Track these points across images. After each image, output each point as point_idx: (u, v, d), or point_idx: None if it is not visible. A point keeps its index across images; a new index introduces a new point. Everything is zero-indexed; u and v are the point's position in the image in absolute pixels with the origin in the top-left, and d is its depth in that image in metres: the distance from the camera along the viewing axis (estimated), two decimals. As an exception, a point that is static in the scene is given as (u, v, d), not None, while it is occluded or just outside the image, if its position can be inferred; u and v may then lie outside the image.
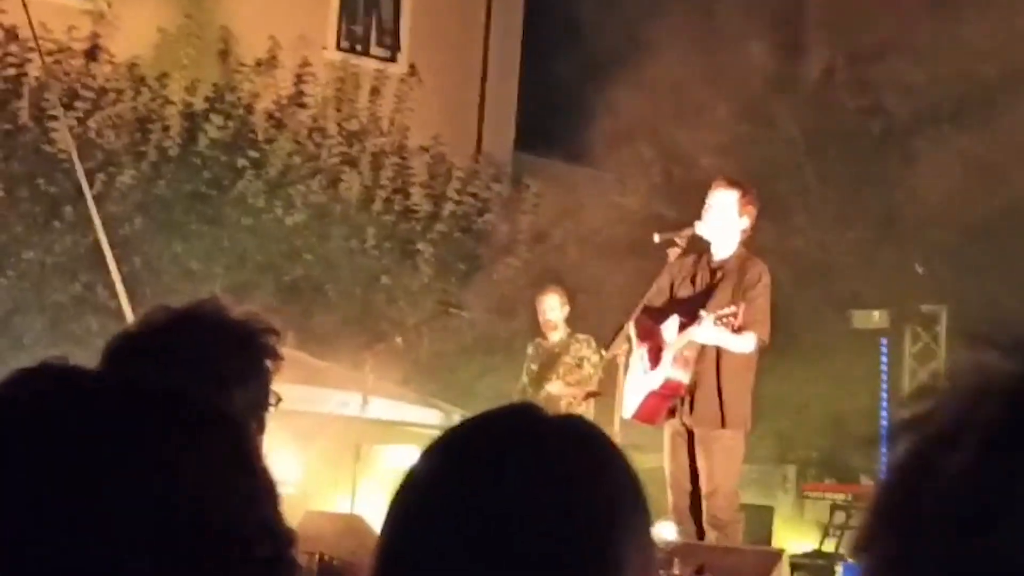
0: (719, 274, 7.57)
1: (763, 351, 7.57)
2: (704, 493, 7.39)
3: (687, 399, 7.51)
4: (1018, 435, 0.83)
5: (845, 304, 14.02)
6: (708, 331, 7.32)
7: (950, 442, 0.85)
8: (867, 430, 13.81)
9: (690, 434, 7.52)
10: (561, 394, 10.12)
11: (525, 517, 1.39)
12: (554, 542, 1.39)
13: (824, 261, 14.73)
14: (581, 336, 10.65)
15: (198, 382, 2.19)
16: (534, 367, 10.69)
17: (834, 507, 12.82)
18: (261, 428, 2.33)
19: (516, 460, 1.43)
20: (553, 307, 10.61)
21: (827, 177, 15.34)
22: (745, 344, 7.39)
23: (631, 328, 7.66)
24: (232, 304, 2.38)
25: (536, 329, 10.84)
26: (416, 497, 1.45)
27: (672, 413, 7.56)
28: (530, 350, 10.82)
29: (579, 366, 10.47)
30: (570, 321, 10.84)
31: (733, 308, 7.26)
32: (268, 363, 2.33)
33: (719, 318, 7.23)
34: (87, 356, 2.41)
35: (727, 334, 7.32)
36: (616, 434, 7.61)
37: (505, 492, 1.40)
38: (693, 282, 7.64)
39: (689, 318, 7.44)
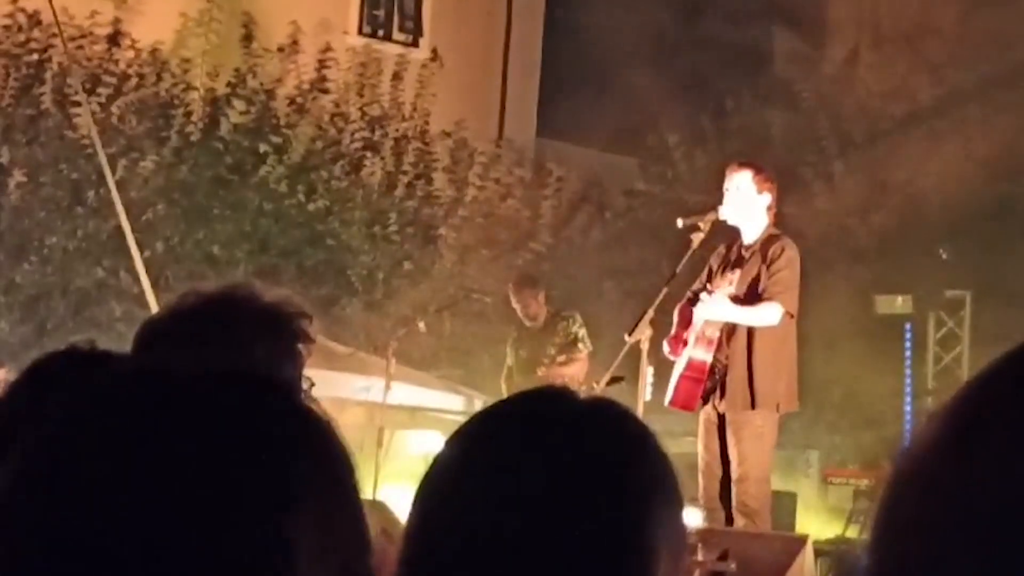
0: (747, 256, 7.54)
1: (799, 326, 7.49)
2: (734, 479, 7.33)
3: (720, 384, 7.45)
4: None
5: (869, 289, 13.98)
6: (712, 306, 7.29)
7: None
8: (891, 415, 13.77)
9: (721, 419, 7.47)
10: (549, 380, 10.11)
11: (556, 502, 1.38)
12: (586, 527, 1.37)
13: (848, 245, 14.68)
14: (566, 313, 10.69)
15: (231, 365, 2.18)
16: (522, 352, 10.72)
17: (857, 492, 12.78)
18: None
19: (547, 444, 1.41)
20: (526, 301, 10.70)
21: (851, 161, 15.29)
22: (767, 315, 7.29)
23: (675, 316, 7.62)
24: (263, 289, 2.36)
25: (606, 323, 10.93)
26: (445, 483, 1.43)
27: (707, 399, 7.52)
28: (514, 333, 10.88)
29: (573, 343, 10.52)
30: (581, 305, 10.92)
31: (730, 288, 7.27)
32: (301, 347, 2.31)
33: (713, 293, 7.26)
34: (110, 341, 2.39)
35: (737, 308, 7.27)
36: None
37: (536, 477, 1.38)
38: (725, 269, 7.61)
39: None
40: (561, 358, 10.50)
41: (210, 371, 1.12)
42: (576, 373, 10.29)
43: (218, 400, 1.08)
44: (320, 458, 1.08)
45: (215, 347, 2.17)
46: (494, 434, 1.46)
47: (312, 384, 2.33)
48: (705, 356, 7.44)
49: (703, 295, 7.34)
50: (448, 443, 1.47)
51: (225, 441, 1.05)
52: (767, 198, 7.51)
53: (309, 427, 1.10)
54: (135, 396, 1.09)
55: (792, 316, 7.35)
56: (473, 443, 1.46)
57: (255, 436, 1.06)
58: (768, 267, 7.36)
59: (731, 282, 7.39)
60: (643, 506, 1.41)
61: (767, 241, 7.49)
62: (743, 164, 7.63)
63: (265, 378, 1.11)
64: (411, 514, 1.44)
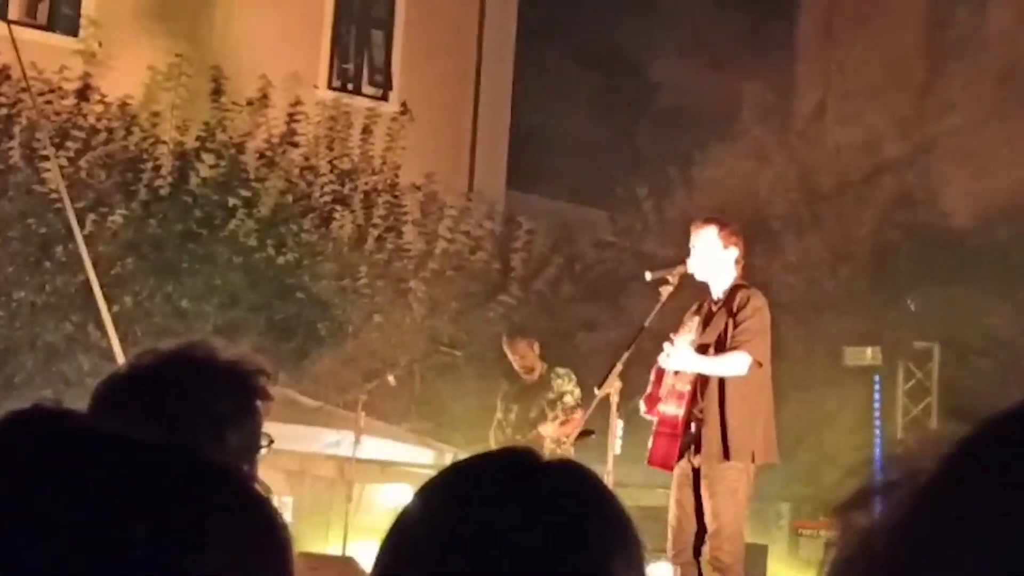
0: (715, 309, 7.53)
1: (773, 377, 7.47)
2: (709, 532, 7.28)
3: (695, 438, 7.42)
4: (948, 488, 0.81)
5: (838, 340, 14.02)
6: (675, 357, 7.27)
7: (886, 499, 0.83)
8: (861, 467, 13.77)
9: (696, 472, 7.43)
10: (553, 436, 10.05)
11: (519, 560, 1.38)
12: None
13: (817, 297, 14.74)
14: (560, 370, 10.60)
15: (191, 425, 2.18)
16: (514, 406, 10.61)
17: (828, 545, 12.72)
18: (253, 471, 2.30)
19: (510, 503, 1.41)
20: (523, 353, 10.59)
21: (819, 213, 15.37)
22: (734, 364, 7.27)
23: (651, 376, 7.60)
24: (222, 345, 2.36)
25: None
26: (409, 537, 1.44)
27: (682, 454, 7.49)
28: (505, 386, 10.76)
29: (560, 399, 10.41)
30: (553, 357, 10.84)
31: (691, 335, 7.25)
32: (259, 404, 2.30)
33: (690, 344, 7.22)
34: (79, 396, 2.38)
35: (702, 358, 7.26)
36: (610, 472, 7.56)
37: (499, 535, 1.39)
38: (696, 323, 7.60)
39: None
40: (559, 417, 10.37)
41: (150, 444, 1.10)
42: (566, 434, 10.15)
43: (125, 462, 1.07)
44: (261, 542, 1.07)
45: (174, 405, 2.16)
46: (460, 491, 1.47)
47: (271, 441, 2.32)
48: (677, 411, 7.42)
49: (665, 346, 7.32)
50: (416, 496, 1.48)
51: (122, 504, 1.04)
52: (733, 252, 7.51)
53: (251, 509, 1.08)
54: (41, 450, 1.08)
55: (761, 365, 7.32)
56: (439, 498, 1.47)
57: (190, 518, 1.04)
58: (734, 317, 7.36)
59: (690, 329, 7.37)
60: (604, 565, 1.41)
61: (732, 292, 7.48)
62: (708, 220, 7.62)
63: (205, 458, 1.10)
64: (376, 564, 1.44)
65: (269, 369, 2.40)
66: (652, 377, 7.60)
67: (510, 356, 10.65)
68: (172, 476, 1.06)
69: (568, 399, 10.35)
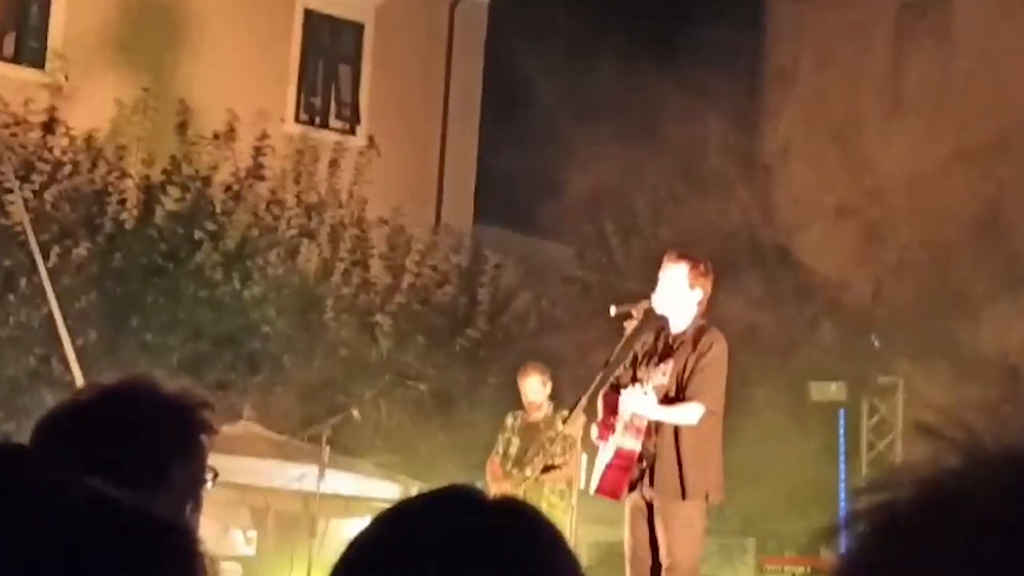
0: (675, 346, 7.54)
1: (726, 419, 7.51)
2: (664, 567, 7.29)
3: (647, 471, 7.44)
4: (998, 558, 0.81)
5: (803, 376, 14.06)
6: (637, 402, 7.27)
7: (920, 550, 0.82)
8: (826, 502, 13.80)
9: (650, 507, 7.44)
10: (538, 478, 9.86)
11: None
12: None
13: (782, 333, 14.78)
14: (565, 412, 10.42)
15: (133, 461, 2.16)
16: (516, 440, 10.42)
17: (793, 582, 12.77)
18: (198, 506, 2.29)
19: (454, 541, 1.41)
20: (535, 388, 10.44)
21: (784, 250, 15.43)
22: (688, 415, 7.31)
23: (600, 404, 7.62)
24: (165, 379, 2.35)
25: (513, 402, 10.69)
26: (355, 568, 1.44)
27: (633, 487, 7.50)
28: (509, 420, 10.56)
29: (566, 440, 10.21)
30: (498, 389, 10.71)
31: (663, 379, 7.23)
32: (204, 439, 2.29)
33: (656, 387, 7.21)
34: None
35: (660, 408, 7.27)
36: (574, 507, 7.56)
37: (442, 572, 1.38)
38: (654, 357, 7.60)
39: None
40: (561, 459, 10.14)
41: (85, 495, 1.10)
42: (570, 475, 9.93)
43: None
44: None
45: (117, 440, 2.15)
46: (405, 527, 1.47)
47: (216, 475, 2.31)
48: (634, 445, 7.42)
49: (632, 387, 7.32)
50: (365, 527, 1.49)
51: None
52: (699, 294, 7.52)
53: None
54: None
55: (713, 414, 7.37)
56: (385, 532, 1.47)
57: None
58: (697, 360, 7.38)
59: (664, 373, 7.38)
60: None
61: (698, 332, 7.50)
62: (681, 256, 7.63)
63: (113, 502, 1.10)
64: None
65: (224, 399, 2.39)
66: (601, 404, 7.61)
67: (521, 389, 10.47)
68: (115, 530, 1.06)
69: (570, 447, 10.11)
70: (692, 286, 7.49)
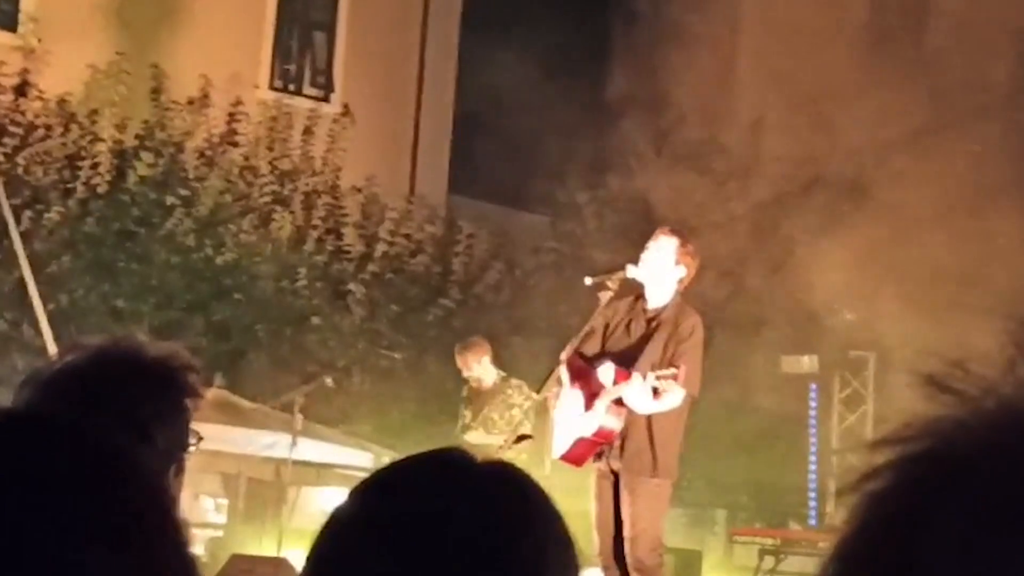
0: (654, 324, 7.56)
1: (693, 402, 7.57)
2: (628, 537, 7.35)
3: (617, 443, 7.48)
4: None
5: (775, 349, 14.10)
6: (638, 394, 7.29)
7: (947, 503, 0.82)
8: (796, 475, 13.87)
9: (616, 477, 7.49)
10: (480, 444, 10.00)
11: (451, 565, 1.37)
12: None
13: (755, 306, 14.81)
14: (515, 381, 10.61)
15: (117, 423, 2.15)
16: (467, 412, 10.68)
17: (763, 552, 12.83)
18: (181, 469, 2.28)
19: (443, 507, 1.40)
20: (469, 366, 10.67)
21: (758, 222, 15.45)
22: (674, 402, 7.37)
23: (563, 369, 7.64)
24: (150, 342, 2.33)
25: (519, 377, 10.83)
26: (339, 540, 1.43)
27: (599, 456, 7.53)
28: (464, 392, 10.81)
29: (509, 410, 10.40)
30: (504, 364, 10.86)
31: (674, 370, 7.22)
32: (188, 402, 2.28)
33: (659, 377, 7.21)
34: (11, 395, 2.35)
35: (655, 401, 7.31)
36: (546, 476, 7.58)
37: (431, 539, 1.38)
38: (628, 329, 7.61)
39: (624, 366, 7.42)
40: (498, 423, 10.39)
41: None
42: (509, 439, 10.06)
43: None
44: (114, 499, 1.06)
45: (100, 403, 2.13)
46: (391, 493, 1.46)
47: (200, 439, 2.30)
48: (616, 425, 7.46)
49: (635, 372, 7.30)
50: (345, 499, 1.47)
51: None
52: (682, 271, 7.56)
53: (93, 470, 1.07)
54: None
55: (693, 399, 7.44)
56: (372, 497, 1.46)
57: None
58: (678, 344, 7.41)
59: (676, 378, 7.34)
60: (537, 567, 1.41)
61: (677, 314, 7.53)
62: (674, 231, 7.69)
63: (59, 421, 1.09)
64: (307, 560, 1.43)
65: (198, 366, 2.38)
66: (568, 370, 7.61)
67: (459, 365, 10.74)
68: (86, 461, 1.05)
69: (516, 412, 10.28)
70: (678, 262, 7.54)
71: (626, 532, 7.35)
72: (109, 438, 1.11)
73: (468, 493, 1.42)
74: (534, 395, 8.76)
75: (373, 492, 1.46)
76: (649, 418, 7.38)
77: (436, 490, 1.42)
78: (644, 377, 7.21)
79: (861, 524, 0.85)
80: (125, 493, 1.08)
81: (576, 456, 7.56)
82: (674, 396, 7.33)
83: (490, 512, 1.41)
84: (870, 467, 0.86)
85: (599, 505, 7.51)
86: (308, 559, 1.42)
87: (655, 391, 7.29)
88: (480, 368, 10.66)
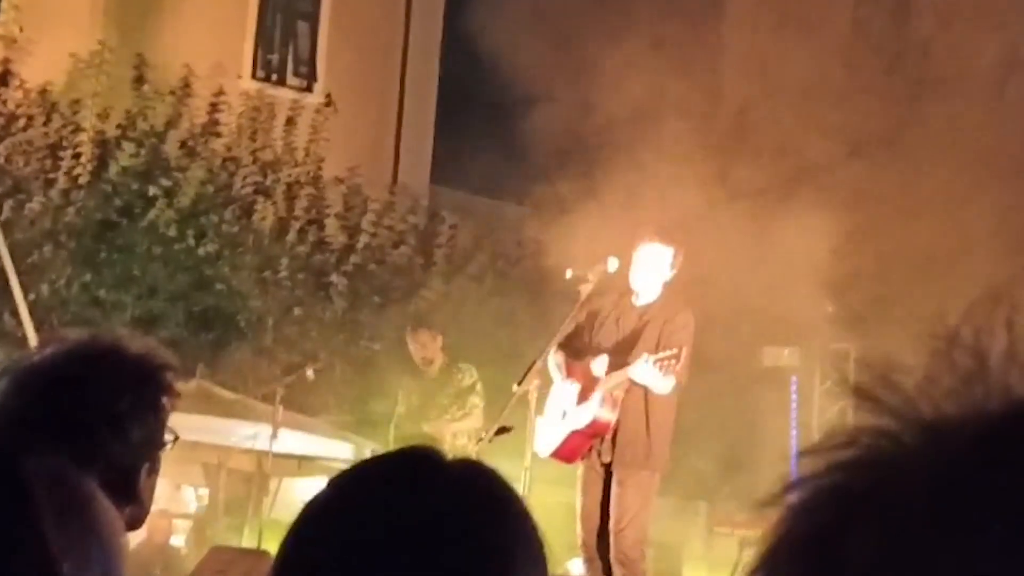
0: (645, 318, 7.59)
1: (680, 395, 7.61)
2: (613, 530, 7.37)
3: (608, 436, 7.49)
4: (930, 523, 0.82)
5: (756, 341, 14.12)
6: (645, 371, 7.32)
7: (859, 515, 0.83)
8: (777, 467, 13.89)
9: (606, 471, 7.50)
10: (439, 433, 9.99)
11: (420, 558, 1.38)
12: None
13: (736, 298, 14.83)
14: (463, 365, 10.51)
15: (91, 418, 2.15)
16: (413, 399, 10.52)
17: (743, 543, 12.86)
18: (156, 468, 2.28)
19: (413, 501, 1.41)
20: (424, 343, 10.51)
21: (740, 214, 15.47)
22: (667, 386, 7.42)
23: (554, 363, 7.66)
24: (130, 338, 2.33)
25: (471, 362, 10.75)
26: (311, 529, 1.44)
27: (590, 451, 7.55)
28: (406, 379, 10.70)
29: (465, 396, 10.33)
30: (473, 353, 10.81)
31: (675, 350, 7.26)
32: (165, 400, 2.28)
33: (659, 360, 7.24)
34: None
35: (659, 377, 7.34)
36: (527, 468, 7.59)
37: (400, 533, 1.39)
38: (617, 324, 7.64)
39: (619, 358, 7.44)
40: (457, 413, 10.33)
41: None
42: (468, 428, 10.12)
43: None
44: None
45: (76, 398, 2.14)
46: (363, 487, 1.47)
47: (176, 437, 2.30)
48: (610, 417, 7.48)
49: (645, 354, 7.32)
50: (323, 489, 1.49)
51: None
52: (672, 273, 7.67)
53: None
54: None
55: (682, 388, 7.49)
56: (343, 493, 1.47)
57: None
58: (670, 337, 7.44)
59: (674, 360, 7.38)
60: (507, 566, 1.42)
61: (669, 307, 7.58)
62: (666, 239, 7.71)
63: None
64: (278, 555, 1.44)
65: (178, 357, 2.38)
66: (564, 366, 7.64)
67: (411, 346, 10.57)
68: None
69: (473, 398, 10.28)
70: (672, 267, 7.62)
71: (612, 525, 7.37)
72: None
73: (437, 490, 1.43)
74: (515, 387, 8.76)
75: (345, 486, 1.48)
76: (647, 409, 7.40)
77: (405, 486, 1.43)
78: (645, 361, 7.27)
79: (785, 533, 0.86)
80: None
81: (568, 451, 7.56)
82: (668, 383, 7.36)
83: (458, 509, 1.42)
84: (795, 476, 0.87)
85: (585, 498, 7.53)
86: (281, 546, 1.44)
87: (619, 355, 7.36)
88: (435, 348, 10.48)
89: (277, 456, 11.28)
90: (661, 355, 7.26)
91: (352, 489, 1.46)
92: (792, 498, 0.87)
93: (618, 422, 7.46)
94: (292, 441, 11.96)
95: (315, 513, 1.45)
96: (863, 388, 0.89)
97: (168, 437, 2.28)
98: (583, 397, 7.56)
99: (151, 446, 2.25)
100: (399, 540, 1.38)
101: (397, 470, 1.46)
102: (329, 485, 1.48)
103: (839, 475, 0.85)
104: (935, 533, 0.80)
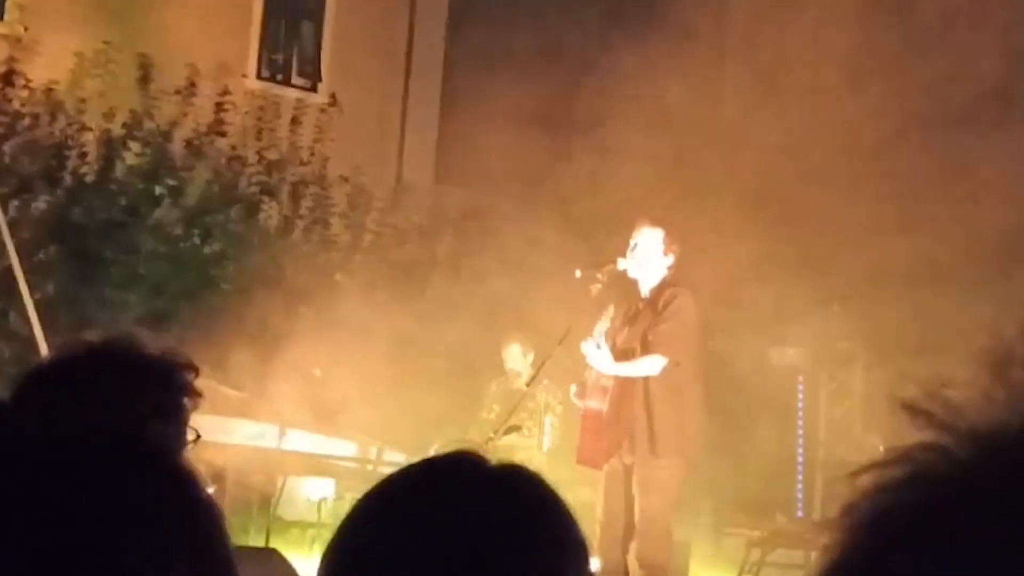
0: (644, 304, 7.58)
1: (700, 376, 7.53)
2: (636, 531, 7.30)
3: (627, 434, 7.44)
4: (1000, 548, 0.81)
5: (763, 341, 14.11)
6: (594, 355, 7.30)
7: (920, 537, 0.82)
8: (784, 466, 13.89)
9: (628, 470, 7.45)
10: (515, 446, 9.88)
11: (467, 565, 1.37)
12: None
13: (743, 298, 14.82)
14: (546, 382, 10.42)
15: (114, 420, 2.15)
16: (496, 407, 10.39)
17: (750, 543, 12.85)
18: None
19: (460, 509, 1.41)
20: (515, 356, 10.45)
21: (747, 215, 15.46)
22: (647, 368, 7.33)
23: (598, 363, 7.62)
24: (149, 339, 2.33)
25: (470, 360, 10.72)
26: (357, 541, 1.43)
27: (613, 452, 7.51)
28: (493, 387, 10.59)
29: (540, 412, 10.20)
30: (482, 354, 10.78)
31: (606, 324, 7.29)
32: (186, 401, 2.27)
33: (599, 336, 7.25)
34: (5, 386, 2.34)
35: (616, 365, 7.29)
36: (538, 467, 7.59)
37: (444, 545, 1.38)
38: (627, 321, 7.64)
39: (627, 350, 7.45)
40: (529, 422, 10.13)
41: (72, 430, 1.09)
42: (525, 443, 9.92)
43: (77, 461, 1.05)
44: (185, 517, 1.06)
45: (97, 399, 2.13)
46: (408, 497, 1.46)
47: (198, 436, 2.30)
48: (600, 405, 7.46)
49: (595, 343, 7.35)
50: (360, 503, 1.48)
51: (83, 502, 1.02)
52: (670, 259, 7.60)
53: (173, 485, 1.07)
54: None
55: (678, 364, 7.37)
56: (387, 504, 1.46)
57: (114, 497, 1.03)
58: (657, 315, 7.41)
59: (607, 316, 7.41)
60: (554, 569, 1.41)
61: (660, 290, 7.54)
62: (655, 223, 7.68)
63: (129, 437, 1.09)
64: (325, 557, 1.44)
65: (197, 365, 2.38)
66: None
67: (503, 356, 10.48)
68: (122, 477, 1.05)
69: (551, 416, 10.13)
70: (666, 252, 7.56)
71: (636, 524, 7.29)
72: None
73: (480, 500, 1.43)
74: (524, 386, 8.76)
75: (392, 490, 1.47)
76: (647, 395, 7.34)
77: (447, 497, 1.42)
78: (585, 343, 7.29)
79: (843, 551, 0.85)
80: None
81: (586, 453, 7.53)
82: (649, 362, 7.31)
83: (502, 518, 1.42)
84: (851, 495, 0.86)
85: (606, 498, 7.44)
86: (322, 561, 1.43)
87: (625, 354, 7.31)
88: (525, 361, 10.35)
89: (283, 454, 11.28)
90: (597, 336, 7.26)
91: (399, 493, 1.46)
92: (849, 518, 0.86)
93: (626, 416, 7.40)
94: (298, 440, 11.96)
95: (362, 517, 1.44)
96: (913, 403, 0.88)
97: (190, 436, 2.27)
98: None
99: (172, 446, 2.25)
100: (446, 544, 1.37)
101: (443, 474, 1.46)
102: (375, 489, 1.47)
103: (893, 494, 0.85)
104: (994, 551, 0.80)
